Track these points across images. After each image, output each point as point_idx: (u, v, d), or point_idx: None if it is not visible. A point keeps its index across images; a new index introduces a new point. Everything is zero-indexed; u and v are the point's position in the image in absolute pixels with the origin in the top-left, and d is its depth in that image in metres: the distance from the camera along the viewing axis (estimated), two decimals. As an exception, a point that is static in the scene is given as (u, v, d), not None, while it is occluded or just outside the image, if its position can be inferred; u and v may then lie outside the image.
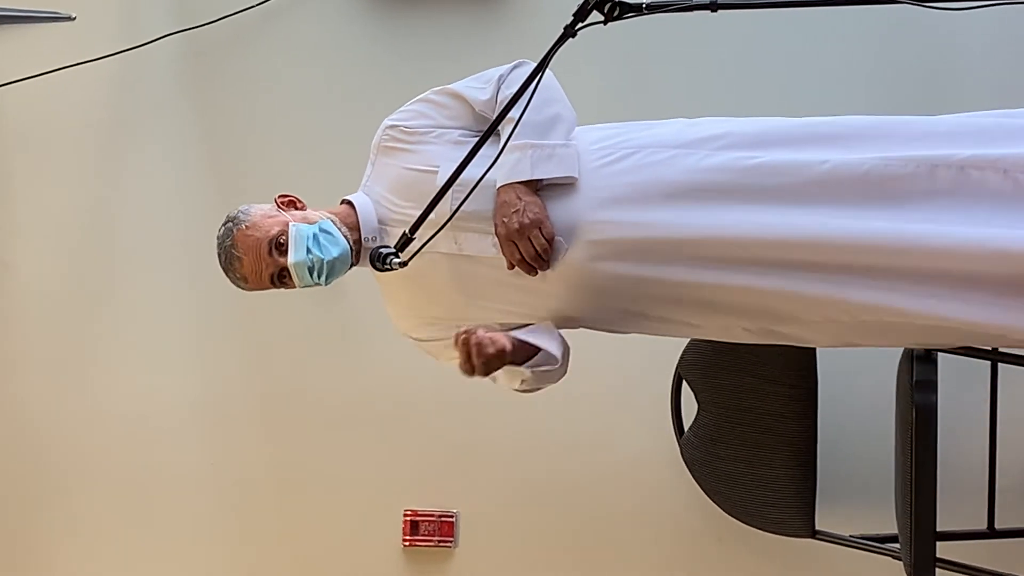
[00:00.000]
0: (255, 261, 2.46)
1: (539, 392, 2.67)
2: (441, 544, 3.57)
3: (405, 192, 2.49)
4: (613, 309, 2.47)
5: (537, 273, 2.43)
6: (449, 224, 2.37)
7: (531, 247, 2.39)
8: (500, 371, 2.42)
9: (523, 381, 2.50)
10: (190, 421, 3.65)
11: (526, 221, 2.37)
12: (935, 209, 2.32)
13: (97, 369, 3.67)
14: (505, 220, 2.40)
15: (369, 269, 2.51)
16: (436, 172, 2.43)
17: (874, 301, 2.34)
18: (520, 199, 2.40)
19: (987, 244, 2.28)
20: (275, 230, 2.46)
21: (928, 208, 2.33)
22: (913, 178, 2.34)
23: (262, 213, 2.50)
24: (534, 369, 2.46)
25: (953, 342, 2.52)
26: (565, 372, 2.57)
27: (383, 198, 2.53)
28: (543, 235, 2.38)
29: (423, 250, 2.37)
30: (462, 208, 2.35)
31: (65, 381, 3.68)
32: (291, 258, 2.45)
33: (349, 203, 2.56)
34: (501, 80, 2.52)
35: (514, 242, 2.39)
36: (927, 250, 2.30)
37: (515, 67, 2.54)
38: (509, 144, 2.39)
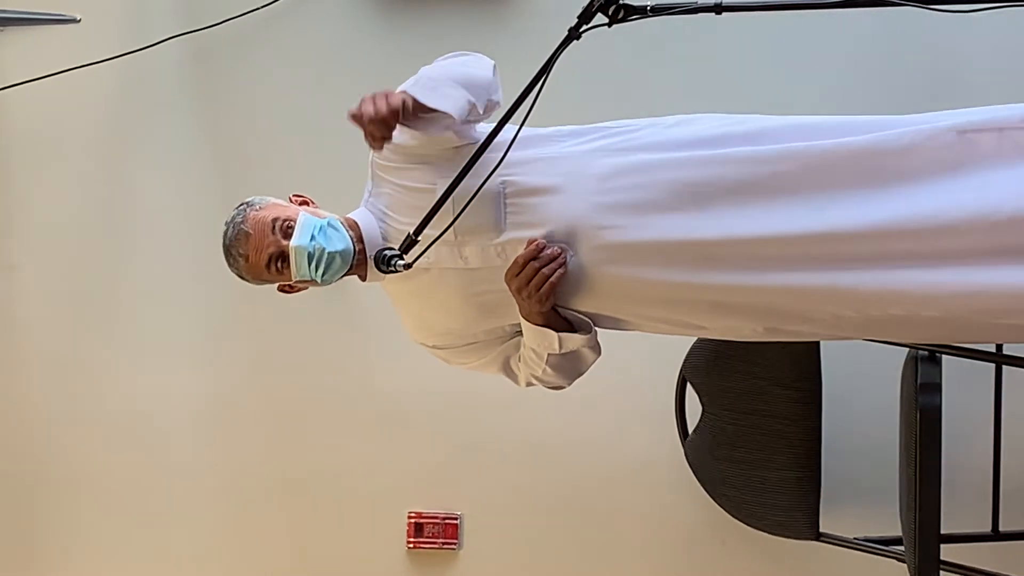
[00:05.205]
0: (260, 238, 2.46)
1: (544, 394, 2.67)
2: (445, 546, 3.57)
3: (405, 210, 2.49)
4: (619, 311, 2.47)
5: None
6: (453, 239, 2.38)
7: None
8: (531, 335, 2.45)
9: (549, 357, 2.48)
10: (194, 422, 3.65)
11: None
12: (932, 181, 2.31)
13: (102, 370, 3.67)
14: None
15: (378, 285, 2.53)
16: (433, 190, 2.41)
17: (881, 287, 2.32)
18: None
19: (986, 213, 2.26)
20: (285, 214, 2.48)
21: (926, 181, 2.31)
22: (908, 151, 2.33)
23: (276, 202, 2.53)
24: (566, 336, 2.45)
25: (959, 337, 2.50)
26: (598, 354, 2.55)
27: (385, 216, 2.53)
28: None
29: (430, 265, 2.40)
30: (463, 222, 2.35)
31: (71, 382, 3.68)
32: (294, 240, 2.44)
33: (354, 221, 2.56)
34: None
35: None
36: (927, 228, 2.28)
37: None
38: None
